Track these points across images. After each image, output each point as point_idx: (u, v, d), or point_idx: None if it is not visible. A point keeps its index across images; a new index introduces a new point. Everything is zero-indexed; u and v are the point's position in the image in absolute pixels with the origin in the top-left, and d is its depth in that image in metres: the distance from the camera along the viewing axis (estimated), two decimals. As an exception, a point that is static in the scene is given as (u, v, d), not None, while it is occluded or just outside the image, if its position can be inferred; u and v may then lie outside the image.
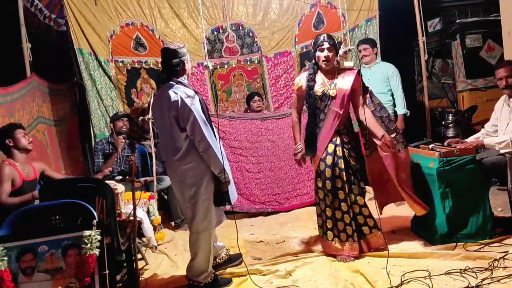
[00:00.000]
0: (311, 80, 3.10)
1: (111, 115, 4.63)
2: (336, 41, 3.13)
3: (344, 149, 3.06)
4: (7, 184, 2.98)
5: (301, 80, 3.17)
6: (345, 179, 3.02)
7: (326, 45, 3.02)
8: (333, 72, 3.10)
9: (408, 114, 4.51)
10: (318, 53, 3.07)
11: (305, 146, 3.15)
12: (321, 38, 3.06)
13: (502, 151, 3.20)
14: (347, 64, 3.14)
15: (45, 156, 4.41)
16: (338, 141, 3.06)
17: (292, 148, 4.64)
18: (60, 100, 5.10)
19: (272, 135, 4.65)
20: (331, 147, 3.06)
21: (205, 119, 2.67)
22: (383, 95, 4.50)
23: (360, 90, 3.10)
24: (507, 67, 3.33)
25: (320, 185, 3.10)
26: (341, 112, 3.02)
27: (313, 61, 3.15)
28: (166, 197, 4.43)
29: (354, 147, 3.12)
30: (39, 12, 5.04)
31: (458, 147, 3.16)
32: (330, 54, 3.03)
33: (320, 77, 3.11)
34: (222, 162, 2.68)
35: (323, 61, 3.05)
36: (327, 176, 3.03)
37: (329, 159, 3.04)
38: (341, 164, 3.02)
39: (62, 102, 5.19)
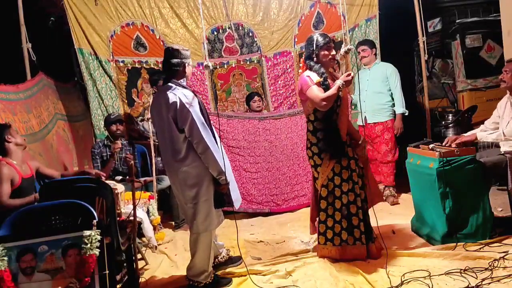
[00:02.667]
0: (327, 79, 2.91)
1: (111, 115, 4.61)
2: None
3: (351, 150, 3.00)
4: (7, 185, 2.87)
5: (314, 76, 2.93)
6: (356, 180, 2.95)
7: (332, 44, 2.96)
8: (330, 73, 3.03)
9: (407, 114, 4.51)
10: (325, 52, 2.93)
11: (330, 150, 2.93)
12: (328, 38, 2.96)
13: (502, 150, 3.21)
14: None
15: (68, 152, 4.41)
16: (347, 142, 3.00)
17: (290, 149, 4.66)
18: (73, 97, 5.11)
19: (269, 135, 4.65)
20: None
21: (203, 121, 2.66)
22: (383, 95, 4.51)
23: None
24: (506, 64, 3.39)
25: (330, 188, 2.96)
26: (348, 113, 3.00)
27: (314, 60, 2.98)
28: (169, 192, 4.36)
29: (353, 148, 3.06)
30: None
31: (454, 142, 3.17)
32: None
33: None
34: (221, 163, 2.67)
35: (330, 59, 2.95)
36: (344, 178, 2.94)
37: (344, 161, 2.95)
38: (353, 165, 2.96)
39: (76, 99, 5.20)
